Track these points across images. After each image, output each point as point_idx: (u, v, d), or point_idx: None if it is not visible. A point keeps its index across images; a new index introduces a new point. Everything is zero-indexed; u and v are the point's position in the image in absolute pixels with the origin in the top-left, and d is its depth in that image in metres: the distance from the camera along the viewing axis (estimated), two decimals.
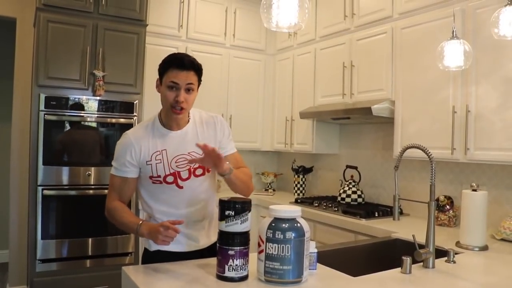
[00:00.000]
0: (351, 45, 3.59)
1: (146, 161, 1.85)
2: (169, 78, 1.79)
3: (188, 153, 1.87)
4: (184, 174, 1.87)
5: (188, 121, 1.93)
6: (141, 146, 1.85)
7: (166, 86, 1.81)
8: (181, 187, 1.87)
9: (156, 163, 1.84)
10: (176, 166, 1.85)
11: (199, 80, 1.87)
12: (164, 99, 1.83)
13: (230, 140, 2.03)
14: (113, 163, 1.91)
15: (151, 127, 1.90)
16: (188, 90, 1.81)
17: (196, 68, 1.83)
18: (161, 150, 1.86)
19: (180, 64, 1.78)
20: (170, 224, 1.64)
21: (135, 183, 1.91)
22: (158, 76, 1.87)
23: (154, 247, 1.88)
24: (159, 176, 1.85)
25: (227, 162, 1.79)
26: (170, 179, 1.85)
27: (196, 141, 1.80)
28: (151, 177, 1.86)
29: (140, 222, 1.77)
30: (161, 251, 1.85)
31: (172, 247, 1.80)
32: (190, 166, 1.87)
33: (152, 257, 1.88)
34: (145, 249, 1.95)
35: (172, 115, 1.84)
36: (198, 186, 1.91)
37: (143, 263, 1.90)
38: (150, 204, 1.93)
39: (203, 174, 1.92)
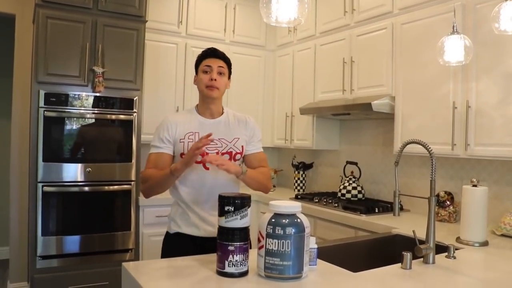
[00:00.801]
0: (351, 40, 3.58)
1: (180, 139, 2.04)
2: (203, 64, 2.08)
3: (219, 139, 2.06)
4: None
5: (222, 113, 2.15)
6: (177, 125, 2.06)
7: (201, 71, 2.07)
8: (207, 168, 2.02)
9: (188, 142, 2.03)
10: (206, 147, 1.97)
11: (230, 71, 2.13)
12: (200, 83, 2.08)
13: (259, 141, 2.23)
14: (151, 143, 2.09)
15: (188, 114, 2.14)
16: (220, 74, 2.06)
17: (226, 58, 2.12)
18: (194, 132, 2.05)
19: (212, 53, 2.09)
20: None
21: (170, 160, 2.05)
22: (195, 71, 2.13)
23: (173, 229, 2.07)
24: None
25: (240, 165, 2.02)
26: (198, 158, 1.93)
27: (227, 131, 2.09)
28: (181, 155, 2.02)
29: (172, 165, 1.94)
30: (180, 234, 2.05)
31: (189, 230, 2.02)
32: (218, 151, 2.05)
33: (171, 239, 2.08)
34: (166, 232, 2.13)
35: (207, 95, 2.05)
36: (223, 172, 1.99)
37: (163, 245, 2.11)
38: (177, 186, 2.06)
39: (229, 160, 2.06)
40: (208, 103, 2.10)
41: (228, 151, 2.07)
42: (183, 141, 2.03)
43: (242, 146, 2.12)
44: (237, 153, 2.09)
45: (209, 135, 1.85)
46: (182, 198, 2.06)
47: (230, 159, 2.06)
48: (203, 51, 2.13)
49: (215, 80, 2.03)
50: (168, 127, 2.05)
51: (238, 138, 2.11)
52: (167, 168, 1.97)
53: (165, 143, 2.04)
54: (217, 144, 2.04)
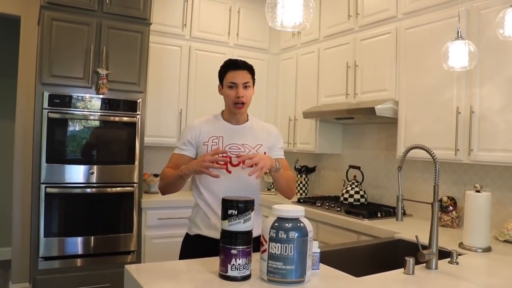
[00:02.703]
0: (355, 45, 3.58)
1: (203, 142, 2.11)
2: (228, 79, 2.10)
3: (242, 144, 2.12)
4: (234, 160, 2.04)
5: (247, 120, 2.21)
6: (202, 129, 2.13)
7: (227, 87, 2.11)
8: (229, 172, 2.06)
9: (211, 145, 2.09)
10: (229, 152, 2.06)
11: (253, 79, 2.16)
12: (226, 98, 2.12)
13: (281, 148, 2.26)
14: (176, 144, 2.19)
15: (214, 119, 2.20)
16: (245, 87, 2.10)
17: (249, 67, 2.14)
18: (219, 136, 2.12)
19: (235, 65, 2.11)
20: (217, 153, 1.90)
21: (189, 162, 2.08)
22: (219, 81, 2.17)
23: (194, 231, 2.11)
24: None
25: (276, 161, 2.02)
26: (221, 161, 1.99)
27: (251, 137, 2.14)
28: None
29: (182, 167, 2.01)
30: (200, 236, 2.08)
31: (209, 233, 2.05)
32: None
33: (191, 240, 2.13)
34: (186, 234, 2.18)
35: (235, 111, 2.12)
36: (245, 177, 2.03)
37: (182, 246, 2.16)
38: (199, 187, 2.12)
39: (251, 166, 2.05)
40: (234, 113, 2.15)
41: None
42: (206, 144, 2.09)
43: (265, 153, 2.13)
44: None
45: (221, 151, 1.93)
46: (203, 200, 2.11)
47: (252, 164, 2.08)
48: (225, 62, 2.17)
49: (242, 96, 2.08)
50: (193, 131, 2.13)
51: (261, 145, 2.15)
52: None
53: (187, 145, 2.12)
54: (240, 149, 2.10)
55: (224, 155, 1.95)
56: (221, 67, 2.17)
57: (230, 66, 2.12)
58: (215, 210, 2.05)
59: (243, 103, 2.09)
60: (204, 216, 2.09)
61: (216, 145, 2.08)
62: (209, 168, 1.88)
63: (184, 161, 2.10)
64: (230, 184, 2.05)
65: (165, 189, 2.14)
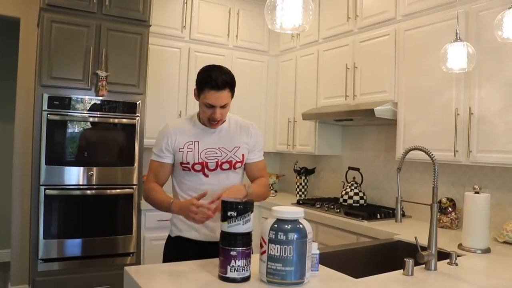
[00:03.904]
0: (354, 46, 3.59)
1: (179, 148, 2.05)
2: (205, 98, 1.96)
3: (218, 148, 2.07)
4: (212, 165, 2.05)
5: (224, 121, 2.11)
6: (177, 135, 2.06)
7: (203, 103, 1.99)
8: (207, 176, 2.05)
9: (187, 151, 2.04)
10: (205, 157, 2.04)
11: (233, 91, 2.02)
12: (202, 113, 2.04)
13: (261, 150, 2.21)
14: (153, 149, 2.13)
15: (189, 121, 2.13)
16: (223, 107, 1.99)
17: (230, 84, 1.98)
18: (194, 141, 2.06)
19: (215, 86, 1.93)
20: (200, 202, 1.85)
21: (170, 168, 2.12)
22: (195, 86, 2.03)
23: (174, 233, 2.11)
24: (188, 163, 2.04)
25: (244, 185, 2.03)
26: (198, 167, 2.04)
27: (228, 140, 2.08)
28: (181, 163, 2.05)
29: (171, 200, 1.99)
30: (181, 237, 2.09)
31: (190, 234, 2.06)
32: (218, 160, 2.05)
33: (172, 242, 2.13)
34: (168, 236, 2.17)
35: (209, 126, 2.05)
36: (224, 179, 2.07)
37: (165, 248, 2.15)
38: (177, 191, 2.12)
39: (229, 169, 2.09)
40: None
41: (228, 160, 2.07)
42: (182, 150, 2.04)
43: (243, 155, 2.11)
44: (237, 162, 2.10)
45: (204, 194, 1.92)
46: None
47: (230, 168, 2.08)
48: (204, 77, 1.96)
49: (218, 117, 1.98)
50: (168, 137, 2.06)
51: (239, 147, 2.10)
52: (167, 176, 2.12)
53: (165, 152, 2.07)
54: (216, 153, 2.06)
55: (208, 204, 1.86)
56: (200, 79, 1.99)
57: (210, 85, 1.93)
58: None
59: (218, 121, 2.02)
60: (183, 218, 2.02)
61: (191, 151, 2.03)
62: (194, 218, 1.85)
63: (164, 169, 2.09)
64: (209, 188, 2.00)
65: (150, 205, 2.10)
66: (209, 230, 2.04)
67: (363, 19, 3.54)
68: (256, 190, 2.09)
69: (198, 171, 2.04)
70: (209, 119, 2.01)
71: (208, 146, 2.06)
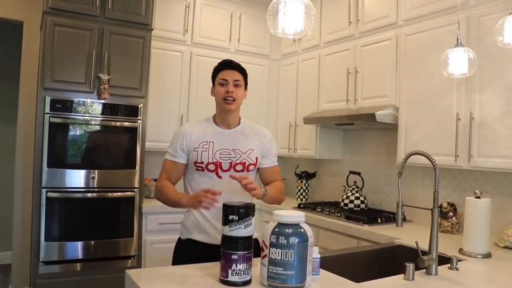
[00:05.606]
0: (355, 51, 3.60)
1: (194, 148, 2.09)
2: (219, 77, 2.12)
3: (233, 149, 2.10)
4: (225, 166, 2.08)
5: (239, 124, 2.19)
6: (192, 135, 2.11)
7: (218, 84, 2.12)
8: (220, 177, 2.08)
9: (201, 151, 2.08)
10: (219, 157, 2.07)
11: (246, 81, 2.17)
12: (217, 95, 2.12)
13: (275, 155, 2.26)
14: (167, 149, 2.18)
15: (205, 123, 2.18)
16: (236, 86, 2.10)
17: (241, 69, 2.16)
18: (209, 141, 2.10)
19: (227, 65, 2.13)
20: (210, 191, 1.87)
21: (183, 169, 2.15)
22: (211, 85, 2.18)
23: (185, 235, 2.13)
24: (202, 163, 2.07)
25: (262, 188, 2.04)
26: (211, 167, 2.07)
27: (242, 142, 2.12)
28: (195, 163, 2.08)
29: (181, 196, 2.04)
30: (191, 240, 2.10)
31: (200, 237, 2.07)
32: (232, 161, 2.08)
33: (183, 245, 2.14)
34: (178, 238, 2.19)
35: (225, 107, 2.09)
36: (236, 181, 2.03)
37: (175, 250, 2.17)
38: (189, 192, 2.13)
39: (242, 170, 2.10)
40: (225, 114, 2.14)
41: (242, 161, 2.10)
42: (197, 150, 2.08)
43: (256, 158, 2.14)
44: (250, 164, 2.12)
45: (219, 192, 1.90)
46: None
47: (243, 169, 2.10)
48: (219, 63, 2.17)
49: (232, 92, 2.07)
50: (184, 137, 2.11)
51: (253, 150, 2.14)
52: (180, 175, 2.16)
53: (179, 152, 2.11)
54: (231, 154, 2.09)
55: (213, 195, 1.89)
56: (215, 67, 2.18)
57: (224, 65, 2.14)
58: (205, 215, 2.07)
59: (233, 99, 2.08)
60: (195, 221, 2.10)
61: (206, 150, 2.07)
62: (202, 202, 1.87)
63: (178, 168, 2.13)
64: (221, 189, 1.99)
65: (161, 202, 2.15)
66: (218, 233, 2.02)
67: (364, 24, 3.55)
68: (273, 192, 2.13)
69: (212, 171, 2.06)
70: (223, 97, 2.07)
71: (222, 146, 2.09)
